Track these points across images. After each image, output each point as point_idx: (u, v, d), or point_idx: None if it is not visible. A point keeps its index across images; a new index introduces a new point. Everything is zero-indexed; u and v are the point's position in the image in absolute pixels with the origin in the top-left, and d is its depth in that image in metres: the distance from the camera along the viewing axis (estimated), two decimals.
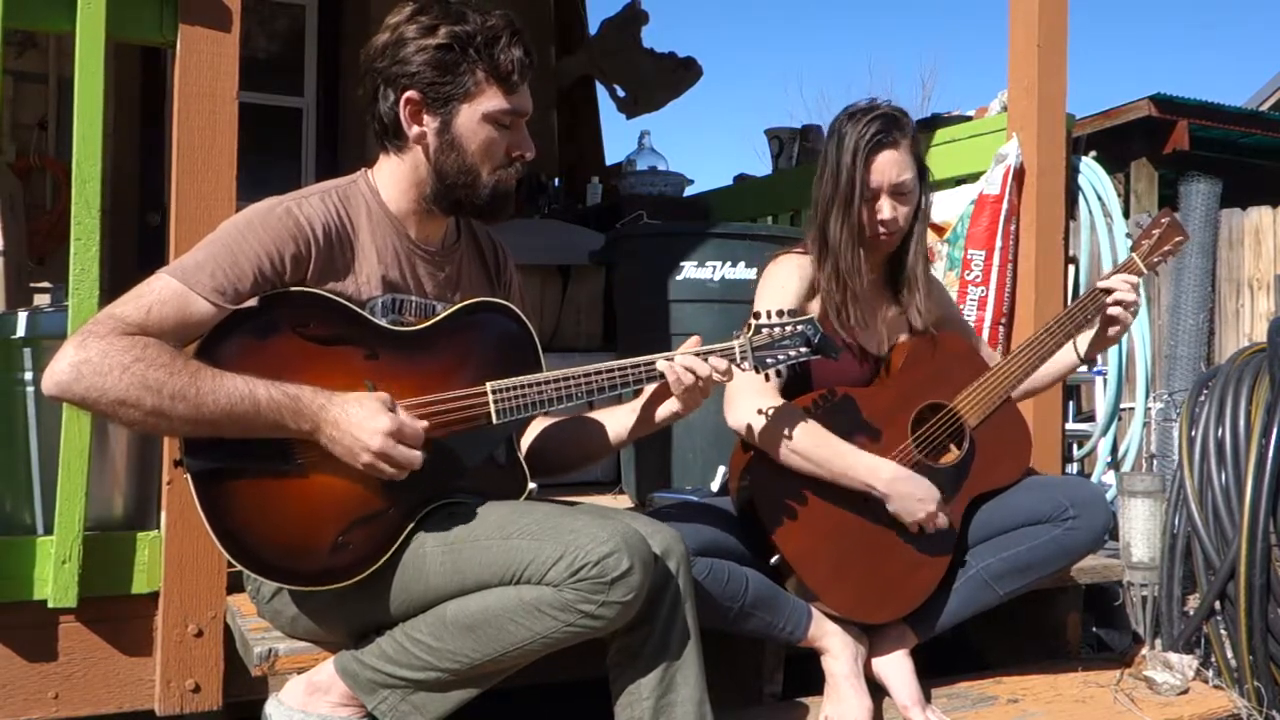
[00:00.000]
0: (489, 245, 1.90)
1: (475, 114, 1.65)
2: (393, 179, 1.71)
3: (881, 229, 1.99)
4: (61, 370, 1.40)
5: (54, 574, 1.87)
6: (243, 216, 1.59)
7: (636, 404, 1.80)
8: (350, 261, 1.65)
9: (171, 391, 1.41)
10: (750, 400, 1.86)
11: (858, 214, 1.97)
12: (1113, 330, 2.12)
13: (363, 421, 1.48)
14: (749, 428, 1.86)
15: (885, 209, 1.97)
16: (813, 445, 1.86)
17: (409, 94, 1.64)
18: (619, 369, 1.67)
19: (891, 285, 2.10)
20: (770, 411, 1.84)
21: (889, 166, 1.96)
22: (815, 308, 2.01)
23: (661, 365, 1.68)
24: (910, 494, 1.91)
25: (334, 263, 1.63)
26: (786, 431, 1.85)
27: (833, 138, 2.00)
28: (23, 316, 2.07)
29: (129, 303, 1.47)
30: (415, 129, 1.66)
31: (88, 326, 1.44)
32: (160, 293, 1.48)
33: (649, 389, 1.76)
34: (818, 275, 2.03)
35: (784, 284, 2.00)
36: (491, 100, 1.65)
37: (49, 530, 1.92)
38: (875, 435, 1.96)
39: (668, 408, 1.75)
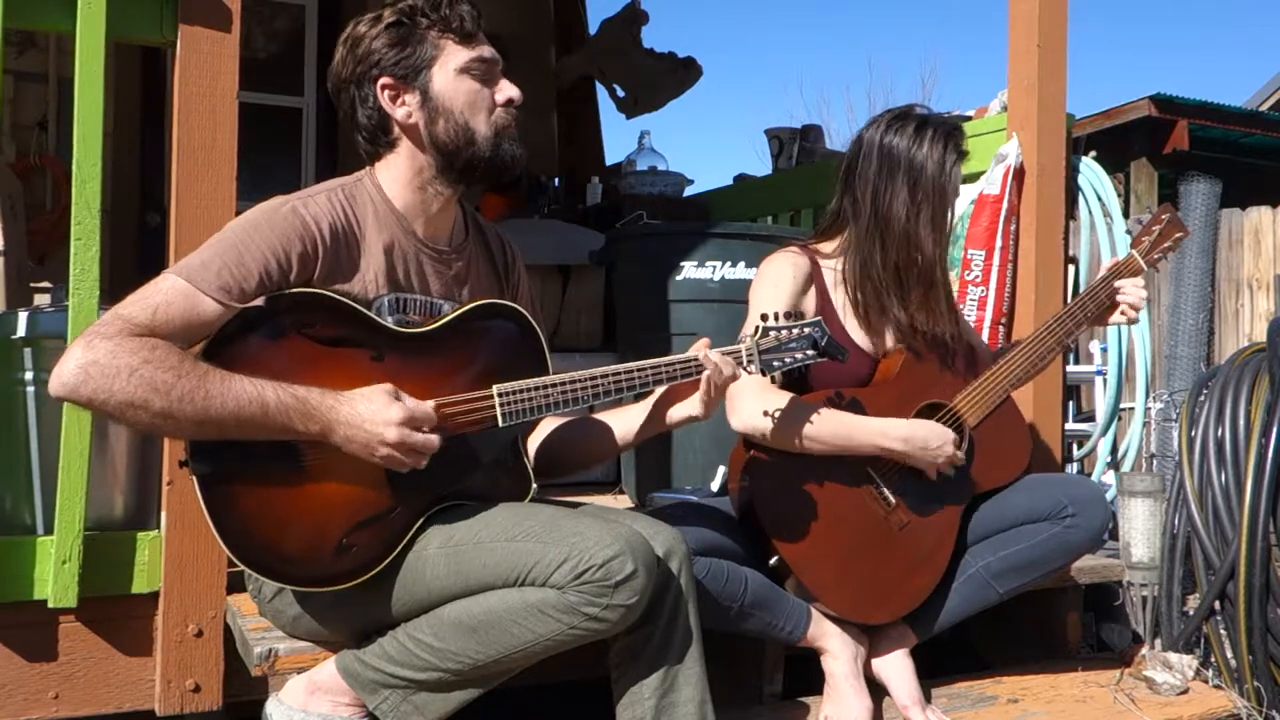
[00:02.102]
0: (498, 245, 1.90)
1: (448, 72, 1.68)
2: (394, 173, 1.71)
3: None
4: (69, 371, 1.39)
5: (54, 574, 1.87)
6: (249, 216, 1.59)
7: (646, 404, 1.79)
8: (356, 260, 1.65)
9: (179, 394, 1.41)
10: (756, 398, 1.86)
11: (942, 221, 2.01)
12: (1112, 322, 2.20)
13: (374, 415, 1.48)
14: (756, 425, 1.86)
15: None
16: (822, 429, 1.87)
17: (383, 80, 1.67)
18: (625, 373, 1.66)
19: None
20: (778, 409, 1.84)
21: (959, 181, 2.03)
22: (809, 304, 2.02)
23: (709, 357, 1.67)
24: (925, 443, 1.94)
25: (340, 262, 1.63)
26: (796, 423, 1.85)
27: (901, 141, 1.99)
28: (23, 316, 2.06)
29: (135, 303, 1.47)
30: (400, 110, 1.68)
31: (95, 327, 1.44)
32: (167, 293, 1.48)
33: (658, 390, 1.76)
34: (829, 272, 2.05)
35: (778, 282, 2.00)
36: (456, 55, 1.68)
37: (49, 530, 1.91)
38: None
39: (683, 410, 1.75)
